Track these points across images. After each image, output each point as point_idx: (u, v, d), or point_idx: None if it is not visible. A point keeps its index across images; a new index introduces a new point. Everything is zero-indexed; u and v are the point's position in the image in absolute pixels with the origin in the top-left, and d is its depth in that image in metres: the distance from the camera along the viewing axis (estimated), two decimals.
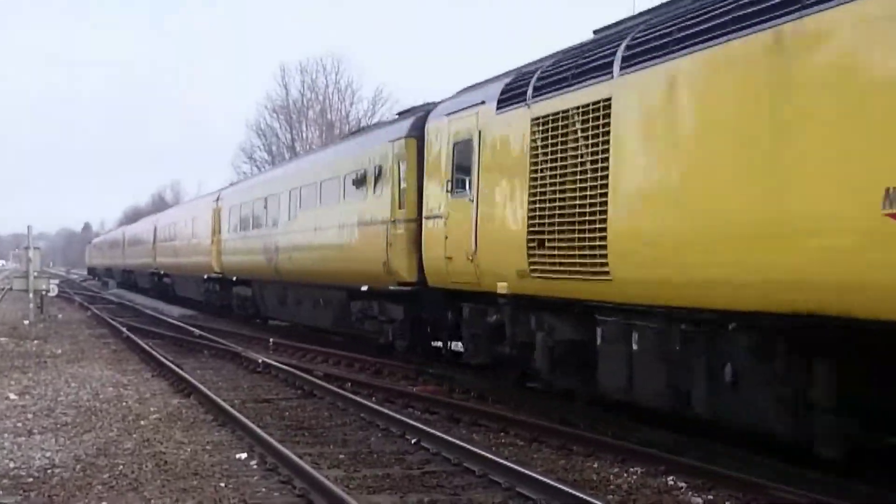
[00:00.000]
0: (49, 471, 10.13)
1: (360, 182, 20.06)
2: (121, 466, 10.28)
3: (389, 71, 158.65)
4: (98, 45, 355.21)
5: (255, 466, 10.37)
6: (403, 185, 17.97)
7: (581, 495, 8.42)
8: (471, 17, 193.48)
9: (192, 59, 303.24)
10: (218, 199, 36.19)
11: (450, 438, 11.18)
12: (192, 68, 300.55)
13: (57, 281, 40.89)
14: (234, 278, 33.07)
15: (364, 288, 19.70)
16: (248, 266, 30.60)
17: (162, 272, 47.81)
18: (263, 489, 9.34)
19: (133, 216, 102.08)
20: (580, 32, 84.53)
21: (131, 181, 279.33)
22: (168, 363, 19.05)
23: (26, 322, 30.37)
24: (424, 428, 11.90)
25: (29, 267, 29.26)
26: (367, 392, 15.90)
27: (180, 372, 17.61)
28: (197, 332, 26.67)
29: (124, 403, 14.79)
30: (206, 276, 36.70)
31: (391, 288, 18.14)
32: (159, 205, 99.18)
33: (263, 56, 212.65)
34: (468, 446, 10.66)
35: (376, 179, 19.26)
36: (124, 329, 27.91)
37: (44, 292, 33.59)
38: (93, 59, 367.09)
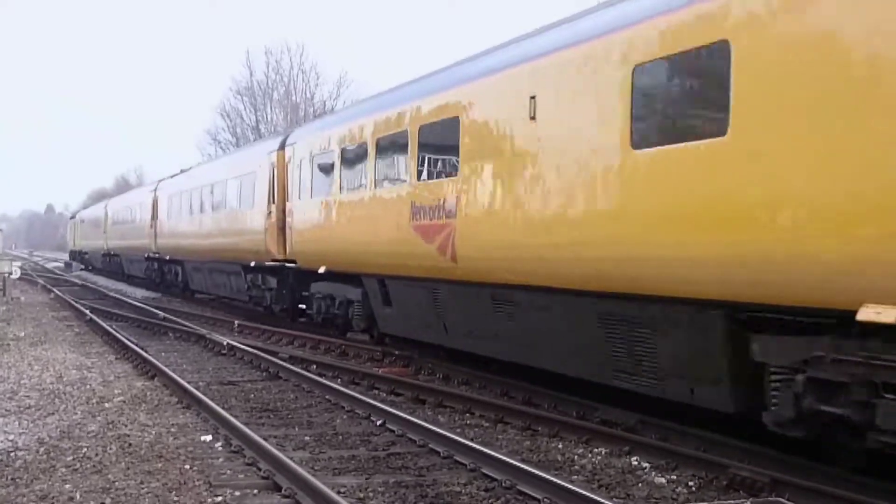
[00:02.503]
0: (12, 454, 10.06)
1: None
2: (85, 449, 10.24)
3: (355, 55, 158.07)
4: (63, 27, 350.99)
5: (220, 448, 10.35)
6: None
7: (546, 476, 8.48)
8: (435, 3, 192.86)
9: (156, 43, 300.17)
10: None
11: (415, 420, 11.23)
12: (157, 53, 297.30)
13: (19, 263, 40.38)
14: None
15: None
16: None
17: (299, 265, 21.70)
18: (228, 471, 9.33)
19: (98, 197, 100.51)
20: (550, 14, 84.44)
21: (94, 163, 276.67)
22: (132, 345, 18.95)
23: None
24: (390, 409, 11.93)
25: None
26: (332, 374, 15.93)
27: (144, 354, 17.52)
28: (161, 314, 26.55)
29: (88, 386, 14.71)
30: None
31: None
32: (123, 188, 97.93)
33: (230, 43, 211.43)
34: (433, 427, 10.71)
35: None
36: (88, 311, 27.72)
37: (6, 275, 33.37)
38: (57, 42, 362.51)
